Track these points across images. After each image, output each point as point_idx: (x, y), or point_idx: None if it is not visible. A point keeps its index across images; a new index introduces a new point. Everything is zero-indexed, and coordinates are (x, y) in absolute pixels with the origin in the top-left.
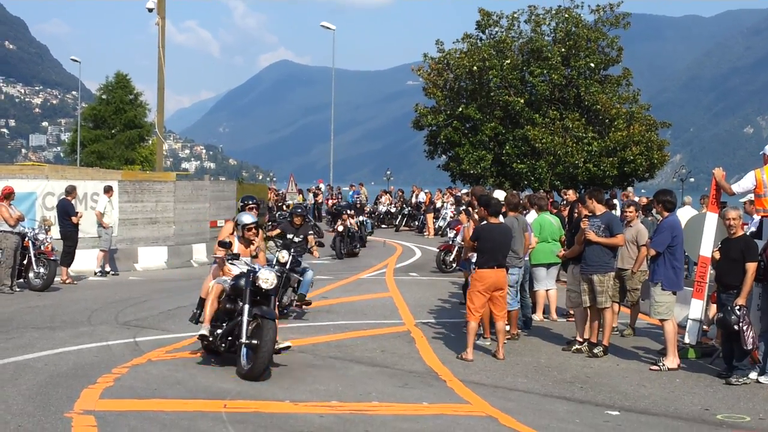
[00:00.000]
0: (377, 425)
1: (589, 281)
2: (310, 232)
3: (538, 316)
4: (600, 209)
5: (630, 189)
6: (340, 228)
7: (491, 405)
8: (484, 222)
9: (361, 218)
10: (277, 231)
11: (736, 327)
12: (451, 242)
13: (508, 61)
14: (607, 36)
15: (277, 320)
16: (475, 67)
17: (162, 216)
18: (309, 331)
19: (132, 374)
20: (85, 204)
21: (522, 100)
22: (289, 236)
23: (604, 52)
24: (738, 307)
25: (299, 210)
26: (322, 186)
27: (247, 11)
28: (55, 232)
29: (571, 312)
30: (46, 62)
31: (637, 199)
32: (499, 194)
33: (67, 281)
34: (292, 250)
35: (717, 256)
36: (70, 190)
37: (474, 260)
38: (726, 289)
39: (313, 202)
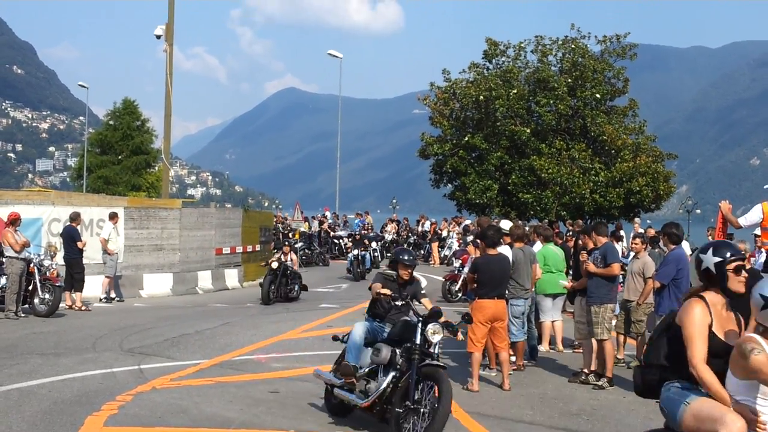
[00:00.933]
0: None
1: (588, 312)
2: (422, 292)
3: (544, 347)
4: (601, 242)
5: (636, 220)
6: (274, 264)
7: None
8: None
9: (355, 252)
10: (387, 291)
11: None
12: (456, 272)
13: (515, 91)
14: (614, 67)
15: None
16: (481, 97)
17: (167, 243)
18: (314, 360)
19: (136, 402)
20: (90, 230)
21: (528, 130)
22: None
23: (611, 83)
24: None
25: (406, 258)
26: (328, 214)
27: (254, 38)
28: (60, 258)
29: (577, 343)
30: (53, 87)
31: (642, 230)
32: (506, 224)
33: (82, 308)
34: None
35: None
36: (75, 217)
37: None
38: None
39: (318, 230)
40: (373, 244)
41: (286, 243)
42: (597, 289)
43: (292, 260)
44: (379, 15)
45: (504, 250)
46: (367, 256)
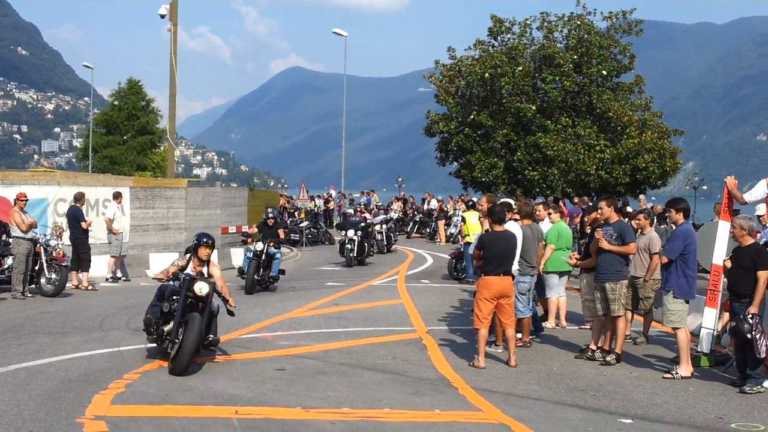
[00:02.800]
0: None
1: (601, 289)
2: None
3: (550, 324)
4: (613, 217)
5: (642, 197)
6: (202, 289)
7: (503, 413)
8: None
9: (260, 246)
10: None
11: (748, 335)
12: (462, 249)
13: (520, 68)
14: (620, 43)
15: None
16: (486, 74)
17: (173, 222)
18: (320, 337)
19: (143, 380)
20: (96, 210)
21: (534, 107)
22: None
23: (617, 59)
24: (750, 316)
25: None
26: (333, 192)
27: (258, 17)
28: (66, 238)
29: (587, 321)
30: (58, 68)
31: (649, 206)
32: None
33: (88, 288)
34: None
35: (728, 264)
36: (79, 197)
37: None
38: (738, 297)
39: (323, 208)
40: (349, 232)
41: (204, 241)
42: (611, 266)
43: (212, 276)
44: None
45: (512, 226)
46: (278, 256)
